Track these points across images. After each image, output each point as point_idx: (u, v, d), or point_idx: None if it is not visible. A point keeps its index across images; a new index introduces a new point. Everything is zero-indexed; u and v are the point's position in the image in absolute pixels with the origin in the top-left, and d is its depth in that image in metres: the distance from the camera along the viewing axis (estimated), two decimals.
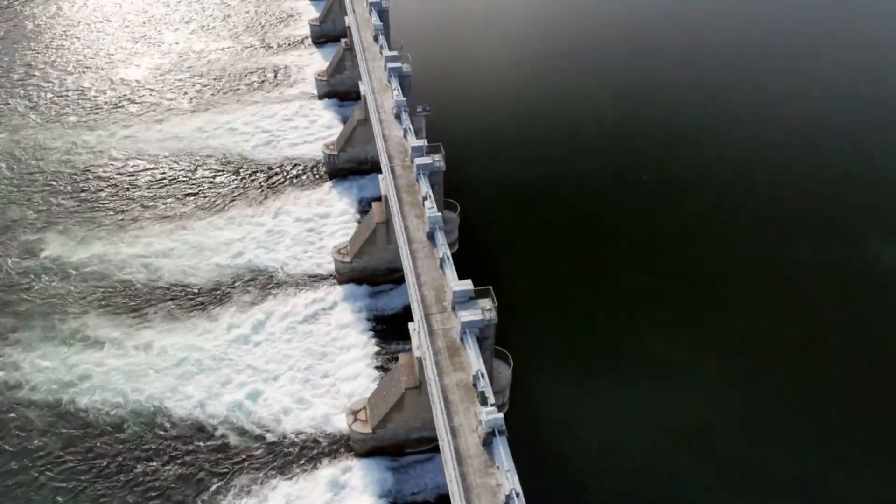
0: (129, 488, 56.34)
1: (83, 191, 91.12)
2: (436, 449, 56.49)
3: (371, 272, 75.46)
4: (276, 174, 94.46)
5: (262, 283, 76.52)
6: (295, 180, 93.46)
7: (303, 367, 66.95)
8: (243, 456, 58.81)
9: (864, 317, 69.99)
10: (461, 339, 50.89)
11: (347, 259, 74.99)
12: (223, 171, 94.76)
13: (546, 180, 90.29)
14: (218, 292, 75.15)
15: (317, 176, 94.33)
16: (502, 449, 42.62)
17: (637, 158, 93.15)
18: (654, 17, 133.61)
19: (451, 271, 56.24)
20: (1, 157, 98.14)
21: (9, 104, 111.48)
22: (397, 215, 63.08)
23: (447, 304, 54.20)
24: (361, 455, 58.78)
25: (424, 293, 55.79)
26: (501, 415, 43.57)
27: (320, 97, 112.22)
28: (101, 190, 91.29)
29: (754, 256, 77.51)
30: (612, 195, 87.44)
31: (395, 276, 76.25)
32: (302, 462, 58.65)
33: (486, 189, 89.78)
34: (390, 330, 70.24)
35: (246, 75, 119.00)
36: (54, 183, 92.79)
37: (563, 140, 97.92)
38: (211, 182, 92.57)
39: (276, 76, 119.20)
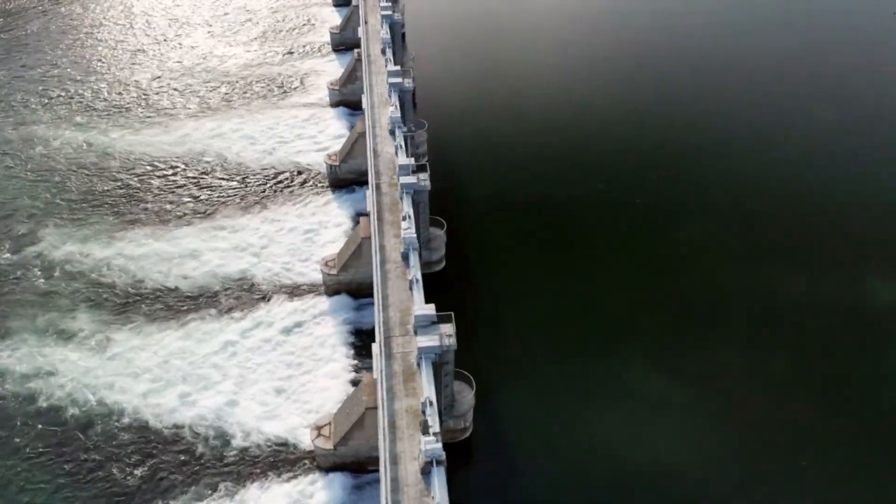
0: (84, 487, 57.77)
1: (89, 191, 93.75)
2: None
3: (357, 285, 76.15)
4: (279, 181, 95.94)
5: (251, 290, 77.77)
6: (296, 189, 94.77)
7: (279, 377, 67.84)
8: (209, 463, 59.86)
9: (851, 360, 68.23)
10: (417, 364, 51.24)
11: (334, 272, 75.81)
12: (226, 175, 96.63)
13: (542, 201, 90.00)
14: (205, 298, 76.64)
15: (319, 185, 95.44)
16: (437, 480, 42.84)
17: (631, 182, 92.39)
18: (659, 40, 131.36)
19: (418, 294, 56.65)
20: (9, 152, 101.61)
21: (28, 102, 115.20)
22: (374, 233, 63.70)
23: (410, 327, 54.59)
24: (325, 470, 59.43)
25: (390, 315, 56.33)
26: (440, 445, 43.77)
27: (332, 106, 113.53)
28: (107, 190, 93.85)
29: (744, 288, 76.22)
30: (604, 219, 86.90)
31: None
32: (267, 473, 59.42)
33: (482, 206, 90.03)
34: (370, 345, 70.65)
35: (262, 81, 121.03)
36: (61, 180, 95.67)
37: (565, 162, 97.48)
38: (212, 186, 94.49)
39: (291, 83, 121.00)
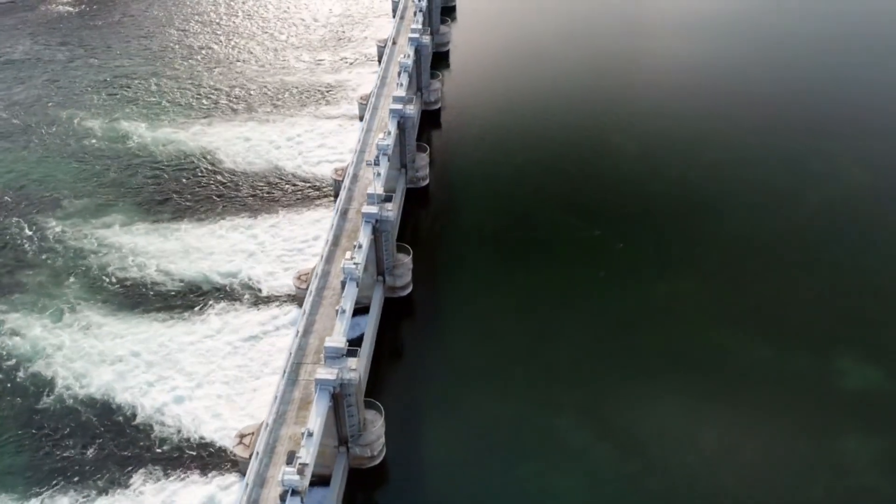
0: (23, 450, 64.92)
1: (114, 180, 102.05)
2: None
3: None
4: (288, 190, 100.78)
5: (230, 294, 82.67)
6: (303, 199, 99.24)
7: (231, 381, 72.45)
8: (143, 451, 65.16)
9: (816, 442, 66.22)
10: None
11: (304, 286, 79.78)
12: (237, 179, 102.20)
13: (527, 239, 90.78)
14: (187, 295, 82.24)
15: (325, 199, 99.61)
16: None
17: (620, 227, 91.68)
18: (661, 86, 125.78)
19: (340, 324, 59.74)
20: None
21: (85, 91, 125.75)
22: (321, 259, 67.15)
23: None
24: (243, 475, 63.25)
25: (310, 341, 59.82)
26: (297, 477, 46.83)
27: (360, 119, 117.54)
28: (128, 180, 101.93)
29: (703, 353, 74.80)
30: (583, 262, 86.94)
31: None
32: (192, 469, 64.02)
33: (469, 235, 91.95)
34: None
35: (302, 88, 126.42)
36: (99, 167, 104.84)
37: (562, 202, 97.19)
38: (221, 187, 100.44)
39: (329, 93, 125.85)
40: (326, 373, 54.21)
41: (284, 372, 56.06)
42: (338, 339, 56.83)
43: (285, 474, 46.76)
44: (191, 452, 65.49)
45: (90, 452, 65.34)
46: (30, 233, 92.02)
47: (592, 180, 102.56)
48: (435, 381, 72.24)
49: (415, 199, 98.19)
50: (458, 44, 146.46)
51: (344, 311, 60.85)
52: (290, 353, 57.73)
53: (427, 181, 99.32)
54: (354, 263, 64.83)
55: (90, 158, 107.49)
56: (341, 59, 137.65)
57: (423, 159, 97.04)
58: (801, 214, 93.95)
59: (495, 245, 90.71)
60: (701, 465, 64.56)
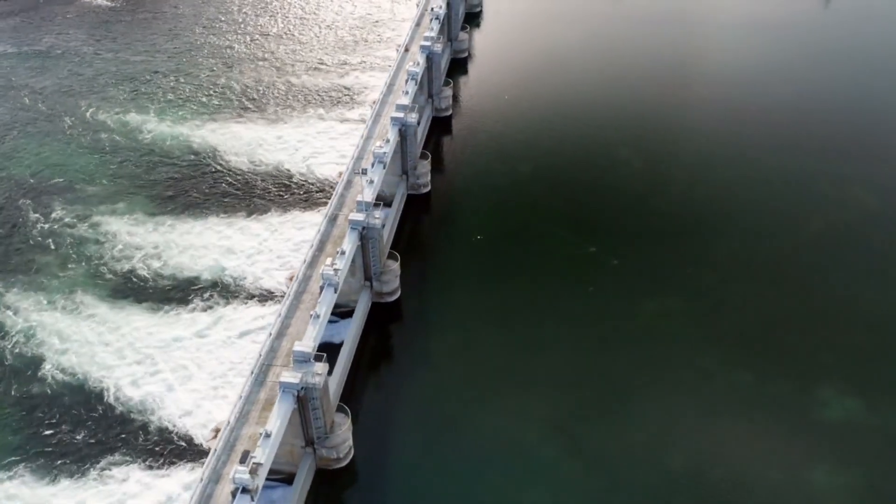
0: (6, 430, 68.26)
1: (130, 174, 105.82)
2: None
3: None
4: (294, 191, 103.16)
5: (228, 290, 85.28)
6: (307, 201, 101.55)
7: (217, 376, 75.01)
8: (126, 439, 67.98)
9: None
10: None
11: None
12: (249, 178, 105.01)
13: (524, 251, 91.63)
14: (185, 290, 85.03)
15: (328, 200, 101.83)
16: None
17: (614, 242, 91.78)
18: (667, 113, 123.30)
19: (312, 329, 61.56)
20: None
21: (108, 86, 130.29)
22: (303, 263, 69.06)
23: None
24: None
25: (283, 343, 61.72)
26: (248, 476, 48.70)
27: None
28: (144, 174, 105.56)
29: (695, 374, 74.59)
30: (575, 274, 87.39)
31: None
32: (173, 459, 66.59)
33: (464, 243, 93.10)
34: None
35: (322, 90, 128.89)
36: (121, 158, 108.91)
37: (563, 219, 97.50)
38: (232, 185, 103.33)
39: (346, 95, 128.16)
40: (291, 376, 55.98)
41: (252, 372, 58.05)
42: (307, 344, 58.61)
43: (237, 473, 48.66)
44: (173, 443, 67.94)
45: (73, 437, 68.44)
46: (37, 216, 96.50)
47: (595, 195, 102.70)
48: (412, 388, 73.66)
49: (415, 206, 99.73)
50: (480, 50, 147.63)
51: (318, 317, 62.57)
52: (261, 355, 59.74)
53: (428, 188, 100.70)
54: (334, 270, 66.52)
55: (106, 149, 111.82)
56: (361, 63, 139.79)
57: (424, 166, 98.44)
58: (801, 238, 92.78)
59: (489, 255, 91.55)
60: (665, 487, 64.66)
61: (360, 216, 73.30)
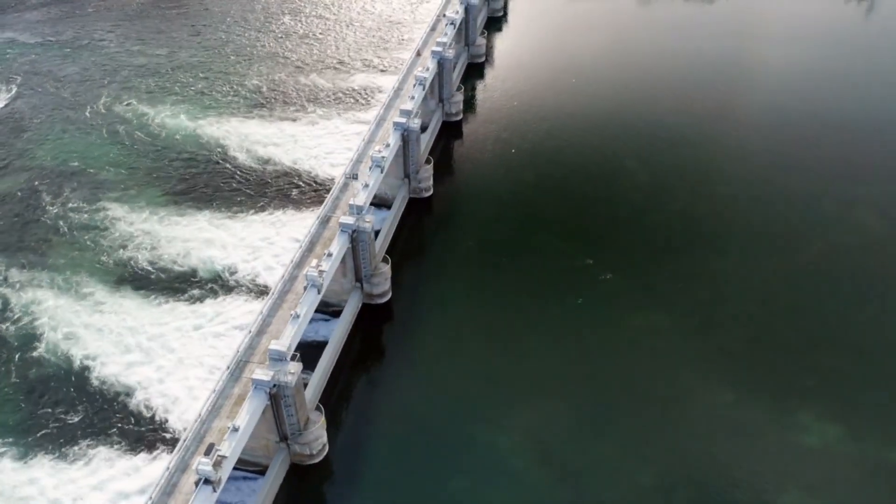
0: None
1: (141, 166, 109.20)
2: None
3: None
4: (305, 190, 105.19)
5: (225, 285, 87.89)
6: (317, 199, 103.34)
7: (210, 368, 77.36)
8: (115, 423, 70.77)
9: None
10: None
11: None
12: (261, 175, 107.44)
13: (523, 258, 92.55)
14: (187, 281, 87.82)
15: None
16: (201, 494, 49.98)
17: (609, 254, 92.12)
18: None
19: (291, 328, 63.47)
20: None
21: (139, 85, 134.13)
22: (290, 264, 70.98)
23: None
24: None
25: (262, 341, 63.69)
26: (211, 468, 50.73)
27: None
28: (158, 168, 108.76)
29: (676, 391, 74.92)
30: (567, 285, 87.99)
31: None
32: (161, 445, 69.11)
33: (464, 248, 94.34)
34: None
35: (338, 91, 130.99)
36: (136, 150, 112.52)
37: (564, 230, 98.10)
38: (241, 181, 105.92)
39: (360, 97, 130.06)
40: (263, 374, 57.91)
41: (228, 367, 60.13)
42: (283, 343, 60.51)
43: (200, 464, 50.72)
44: (162, 430, 70.46)
45: (65, 418, 71.35)
46: (51, 199, 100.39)
47: (597, 206, 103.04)
48: (393, 389, 75.29)
49: (416, 209, 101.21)
50: (499, 55, 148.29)
51: (297, 317, 64.41)
52: (238, 351, 61.79)
53: (430, 192, 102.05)
54: (319, 271, 68.28)
55: (124, 140, 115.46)
56: (381, 63, 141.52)
57: (427, 171, 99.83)
58: (798, 259, 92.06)
59: (484, 262, 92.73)
60: (631, 502, 65.31)
61: (350, 219, 74.98)
